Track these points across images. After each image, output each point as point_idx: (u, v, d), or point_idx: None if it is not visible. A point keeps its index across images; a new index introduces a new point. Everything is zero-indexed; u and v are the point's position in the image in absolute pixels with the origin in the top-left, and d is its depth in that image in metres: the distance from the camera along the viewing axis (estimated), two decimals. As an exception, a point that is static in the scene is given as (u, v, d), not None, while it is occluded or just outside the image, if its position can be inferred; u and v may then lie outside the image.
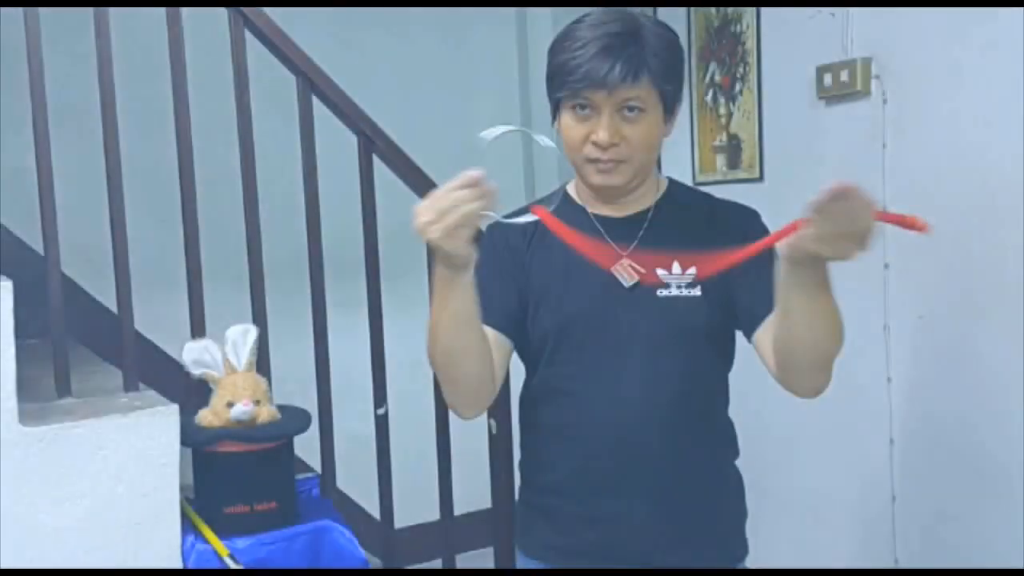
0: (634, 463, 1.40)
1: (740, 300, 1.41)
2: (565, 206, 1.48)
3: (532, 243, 1.46)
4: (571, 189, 1.51)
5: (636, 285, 1.40)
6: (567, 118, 1.38)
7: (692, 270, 1.39)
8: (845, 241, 1.07)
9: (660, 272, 1.40)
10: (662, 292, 1.39)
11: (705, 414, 1.45)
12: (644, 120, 1.35)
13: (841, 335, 1.27)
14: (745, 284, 1.38)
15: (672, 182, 1.52)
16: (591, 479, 1.43)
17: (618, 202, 1.45)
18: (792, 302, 1.21)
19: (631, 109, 1.34)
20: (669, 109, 1.39)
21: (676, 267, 1.40)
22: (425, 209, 1.13)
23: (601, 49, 1.31)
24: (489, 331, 1.38)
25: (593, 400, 1.41)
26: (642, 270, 1.40)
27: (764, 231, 1.42)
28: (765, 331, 1.36)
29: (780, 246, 1.15)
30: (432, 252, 1.20)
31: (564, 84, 1.35)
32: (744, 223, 1.44)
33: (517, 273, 1.45)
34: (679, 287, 1.39)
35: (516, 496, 1.61)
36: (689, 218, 1.45)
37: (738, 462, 1.54)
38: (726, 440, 1.51)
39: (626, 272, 1.40)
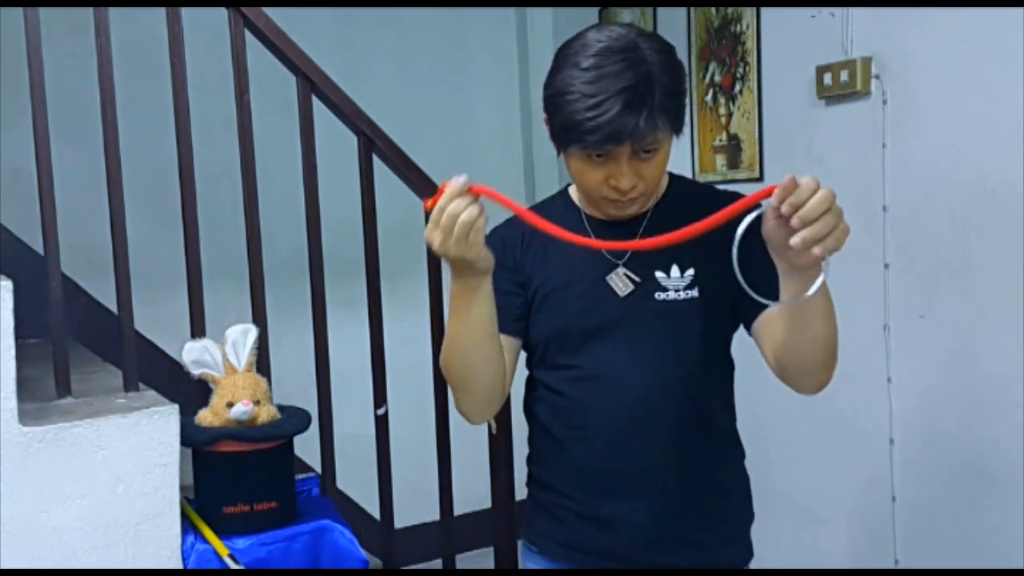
0: (632, 468, 1.40)
1: (741, 293, 1.40)
2: (561, 207, 1.47)
3: (525, 242, 1.46)
4: (572, 191, 1.50)
5: (631, 293, 1.39)
6: (579, 163, 1.33)
7: (691, 271, 1.38)
8: (835, 229, 1.08)
9: (659, 275, 1.39)
10: (660, 295, 1.39)
11: (706, 417, 1.43)
12: (659, 154, 1.32)
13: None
14: (745, 277, 1.37)
15: (672, 178, 1.48)
16: (589, 481, 1.43)
17: None
18: (809, 309, 1.21)
19: (647, 151, 1.30)
20: (678, 131, 1.34)
21: (675, 270, 1.39)
22: (432, 233, 1.19)
23: (622, 108, 1.23)
24: (501, 336, 1.39)
25: (589, 404, 1.41)
26: (637, 279, 1.39)
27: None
28: (764, 324, 1.35)
29: (782, 262, 1.16)
30: (453, 267, 1.24)
31: (581, 142, 1.27)
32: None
33: (516, 272, 1.45)
34: (677, 290, 1.39)
35: (519, 491, 1.62)
36: (688, 216, 1.39)
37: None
38: (728, 442, 1.50)
39: (621, 281, 1.40)
